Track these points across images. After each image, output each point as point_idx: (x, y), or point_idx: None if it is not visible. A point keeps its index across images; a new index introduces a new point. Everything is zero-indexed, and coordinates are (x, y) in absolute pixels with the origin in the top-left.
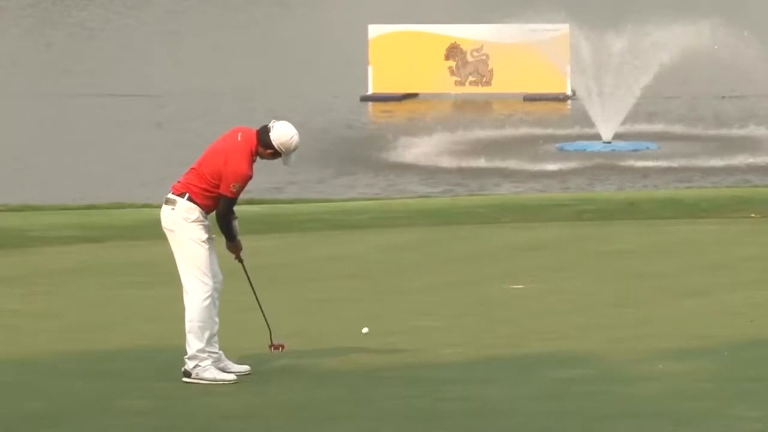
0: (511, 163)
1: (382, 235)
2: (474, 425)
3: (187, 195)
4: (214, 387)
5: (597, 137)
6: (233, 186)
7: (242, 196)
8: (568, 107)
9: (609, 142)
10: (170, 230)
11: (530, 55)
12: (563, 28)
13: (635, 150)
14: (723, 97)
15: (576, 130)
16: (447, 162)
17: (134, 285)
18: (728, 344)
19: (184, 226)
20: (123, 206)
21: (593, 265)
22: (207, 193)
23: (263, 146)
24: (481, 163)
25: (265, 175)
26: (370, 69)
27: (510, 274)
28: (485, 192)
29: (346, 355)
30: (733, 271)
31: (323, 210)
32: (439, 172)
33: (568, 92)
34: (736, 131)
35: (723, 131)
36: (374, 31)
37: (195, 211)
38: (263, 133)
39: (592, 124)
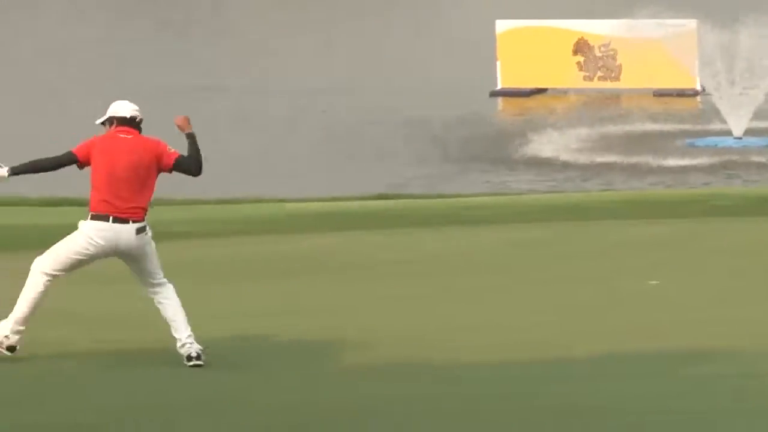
0: (641, 159)
1: (514, 231)
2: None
3: (146, 217)
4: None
5: (728, 133)
6: (170, 148)
7: (372, 191)
8: (699, 102)
9: (740, 138)
10: (144, 250)
11: (658, 50)
12: (691, 23)
13: (767, 146)
14: None
15: (706, 126)
16: (576, 157)
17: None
18: None
19: (150, 240)
20: None
21: (724, 261)
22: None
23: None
24: (611, 158)
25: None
26: (498, 64)
27: (640, 269)
28: (614, 187)
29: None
30: None
31: (448, 205)
32: (568, 168)
33: (698, 87)
34: None
35: None
36: (502, 26)
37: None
38: (137, 124)
39: (722, 120)
